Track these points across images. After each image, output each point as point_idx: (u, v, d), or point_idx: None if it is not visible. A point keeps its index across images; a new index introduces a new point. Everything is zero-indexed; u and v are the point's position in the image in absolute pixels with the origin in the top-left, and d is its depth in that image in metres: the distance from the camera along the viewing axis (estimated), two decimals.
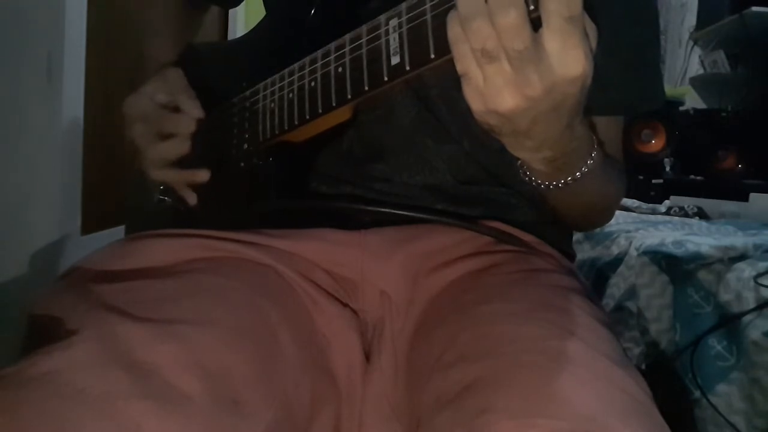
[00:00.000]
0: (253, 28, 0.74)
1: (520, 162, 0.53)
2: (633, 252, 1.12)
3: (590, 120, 0.59)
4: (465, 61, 0.41)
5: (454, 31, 0.41)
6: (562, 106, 0.43)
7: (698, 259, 1.03)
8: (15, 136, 1.40)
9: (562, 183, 0.53)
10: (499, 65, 0.40)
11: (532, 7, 0.39)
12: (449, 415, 0.44)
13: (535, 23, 0.39)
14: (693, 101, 1.92)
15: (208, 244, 0.58)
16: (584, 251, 1.27)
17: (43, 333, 0.46)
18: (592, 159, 0.53)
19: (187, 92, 0.67)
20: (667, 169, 1.73)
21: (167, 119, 0.66)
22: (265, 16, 0.74)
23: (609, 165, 0.59)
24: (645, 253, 1.10)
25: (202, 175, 0.67)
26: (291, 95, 0.60)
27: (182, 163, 0.67)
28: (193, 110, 0.66)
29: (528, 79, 0.40)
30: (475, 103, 0.43)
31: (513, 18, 0.38)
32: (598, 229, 1.22)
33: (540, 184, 0.54)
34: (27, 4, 1.38)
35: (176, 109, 0.66)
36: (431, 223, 0.62)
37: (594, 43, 0.41)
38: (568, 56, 0.39)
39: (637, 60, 0.64)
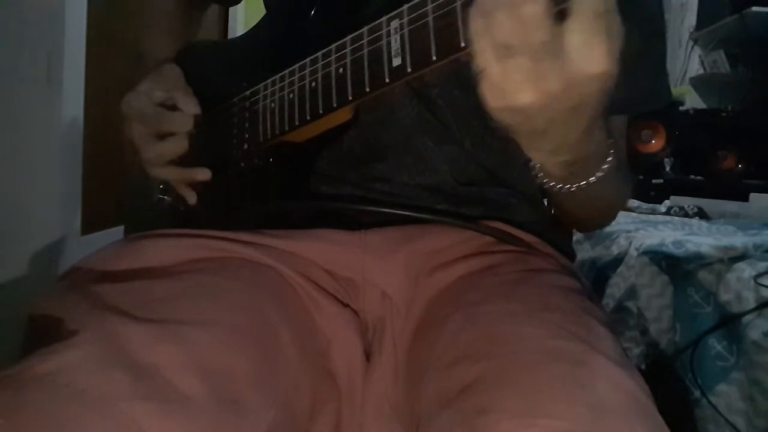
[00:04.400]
0: (253, 28, 0.74)
1: (533, 163, 0.52)
2: (633, 252, 1.12)
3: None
4: (485, 56, 0.40)
5: (477, 24, 0.40)
6: (581, 107, 0.41)
7: (698, 259, 1.03)
8: (15, 136, 1.40)
9: (575, 187, 0.52)
10: (519, 59, 0.39)
11: None
12: (449, 415, 0.44)
13: (559, 18, 0.38)
14: (693, 101, 1.92)
15: (208, 244, 0.58)
16: (584, 251, 1.27)
17: (44, 333, 0.46)
18: (607, 164, 0.52)
19: (184, 89, 0.67)
20: (667, 169, 1.73)
21: (165, 118, 0.66)
22: (265, 16, 0.74)
23: (621, 168, 0.58)
24: (645, 253, 1.10)
25: (203, 174, 0.67)
26: (291, 95, 0.60)
27: (183, 162, 0.67)
28: (190, 107, 0.65)
29: (548, 75, 0.39)
30: (493, 99, 0.41)
31: (535, 10, 0.37)
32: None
33: (553, 187, 0.53)
34: (27, 4, 1.38)
35: (174, 107, 0.66)
36: (432, 223, 0.62)
37: (619, 44, 0.39)
38: (590, 53, 0.38)
39: (642, 58, 0.64)
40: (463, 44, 0.43)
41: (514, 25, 0.38)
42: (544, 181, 0.53)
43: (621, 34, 0.39)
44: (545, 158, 0.48)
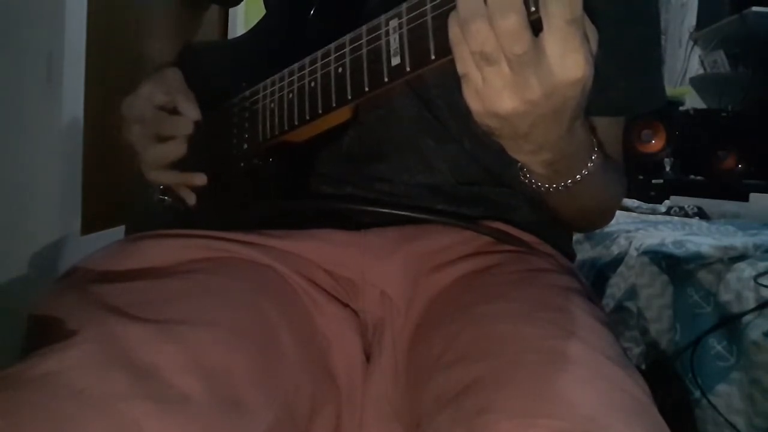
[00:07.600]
0: (252, 28, 0.74)
1: (519, 164, 0.53)
2: (633, 252, 1.12)
3: (590, 120, 0.59)
4: (464, 63, 0.41)
5: (453, 32, 0.41)
6: (563, 110, 0.42)
7: (698, 259, 1.03)
8: (15, 136, 1.40)
9: (561, 186, 0.53)
10: (498, 68, 0.40)
11: (533, 9, 0.39)
12: (449, 415, 0.44)
13: (534, 25, 0.39)
14: (693, 101, 1.92)
15: (208, 244, 0.58)
16: (584, 251, 1.27)
17: (43, 334, 0.46)
18: (592, 162, 0.53)
19: (185, 93, 0.67)
20: (667, 169, 1.73)
21: (165, 121, 0.66)
22: (265, 16, 0.74)
23: (609, 167, 0.58)
24: (645, 253, 1.10)
25: (199, 179, 0.67)
26: (291, 95, 0.60)
27: (181, 164, 0.67)
28: (190, 112, 0.65)
29: (527, 83, 0.40)
30: (475, 105, 0.43)
31: (512, 22, 0.38)
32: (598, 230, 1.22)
33: (539, 187, 0.54)
34: (27, 4, 1.38)
35: (174, 111, 0.66)
36: (432, 223, 0.62)
37: (594, 47, 0.40)
38: (568, 60, 0.39)
39: (638, 60, 0.64)
40: None
41: (491, 36, 0.39)
42: (531, 181, 0.54)
43: (595, 34, 0.40)
44: (528, 158, 0.49)
